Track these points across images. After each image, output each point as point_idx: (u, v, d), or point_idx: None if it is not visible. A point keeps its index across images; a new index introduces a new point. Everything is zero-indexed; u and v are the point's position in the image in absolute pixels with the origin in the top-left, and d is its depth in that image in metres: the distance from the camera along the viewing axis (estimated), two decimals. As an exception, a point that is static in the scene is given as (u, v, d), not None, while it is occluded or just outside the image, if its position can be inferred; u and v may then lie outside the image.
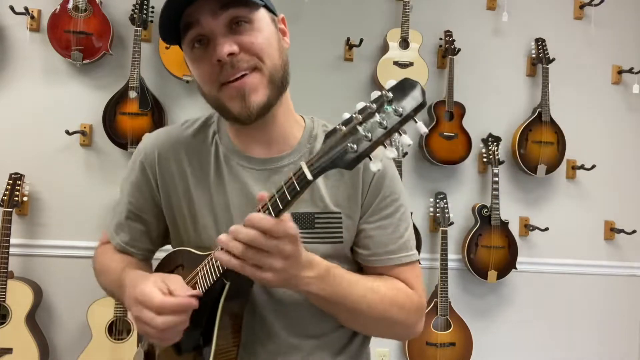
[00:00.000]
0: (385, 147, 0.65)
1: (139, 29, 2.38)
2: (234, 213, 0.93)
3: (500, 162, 2.61)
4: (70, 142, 2.45)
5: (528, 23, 2.81)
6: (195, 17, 0.82)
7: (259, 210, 0.72)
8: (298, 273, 0.76)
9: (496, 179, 2.58)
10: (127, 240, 1.02)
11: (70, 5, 2.34)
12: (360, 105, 0.65)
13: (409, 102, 0.62)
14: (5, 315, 2.19)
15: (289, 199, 0.69)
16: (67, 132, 2.39)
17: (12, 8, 2.34)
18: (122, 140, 2.38)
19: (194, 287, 0.84)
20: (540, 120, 2.67)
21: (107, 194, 2.43)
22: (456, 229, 2.65)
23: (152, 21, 2.48)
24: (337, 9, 2.68)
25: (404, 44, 2.58)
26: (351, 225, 0.93)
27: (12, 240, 2.24)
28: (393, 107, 0.62)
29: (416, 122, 0.63)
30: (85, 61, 2.37)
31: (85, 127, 2.45)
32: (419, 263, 1.00)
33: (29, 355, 2.19)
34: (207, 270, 0.83)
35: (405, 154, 2.54)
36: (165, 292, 0.79)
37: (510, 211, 2.70)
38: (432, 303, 2.51)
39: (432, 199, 2.61)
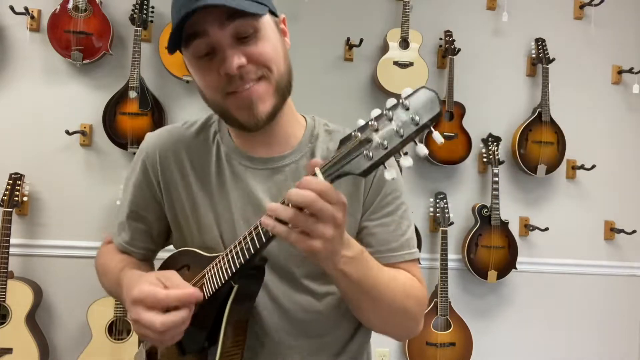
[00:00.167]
0: (401, 155, 0.64)
1: (139, 29, 2.38)
2: (236, 213, 0.93)
3: (500, 162, 2.61)
4: (70, 142, 2.46)
5: (528, 23, 2.81)
6: (202, 28, 0.80)
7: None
8: (339, 250, 0.74)
9: (496, 179, 2.58)
10: (128, 239, 1.03)
11: (70, 5, 2.35)
12: (376, 112, 0.64)
13: (426, 111, 0.62)
14: (5, 315, 2.19)
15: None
16: (67, 132, 2.39)
17: (12, 8, 2.34)
18: (122, 140, 2.38)
19: (200, 289, 0.84)
20: (540, 120, 2.67)
21: (107, 194, 2.44)
22: (456, 229, 2.65)
23: (152, 21, 2.48)
24: (337, 9, 2.68)
25: (404, 44, 2.58)
26: (352, 223, 0.93)
27: (12, 240, 2.24)
28: (410, 115, 0.62)
29: (432, 131, 0.63)
30: (85, 61, 2.37)
31: (85, 127, 2.45)
32: (419, 262, 1.00)
33: (29, 355, 2.19)
34: (214, 272, 0.83)
35: (405, 153, 2.53)
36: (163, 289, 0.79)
37: (510, 211, 2.70)
38: (432, 303, 2.51)
39: (432, 199, 2.61)
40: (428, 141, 0.64)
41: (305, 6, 2.60)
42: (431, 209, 2.61)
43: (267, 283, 0.88)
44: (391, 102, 0.64)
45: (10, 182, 2.27)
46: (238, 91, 0.83)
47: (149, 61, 2.50)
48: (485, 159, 2.63)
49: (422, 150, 0.63)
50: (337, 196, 0.68)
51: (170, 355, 0.93)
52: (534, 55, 2.76)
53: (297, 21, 2.57)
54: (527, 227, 2.74)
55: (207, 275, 0.85)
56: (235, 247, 0.79)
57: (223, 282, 0.81)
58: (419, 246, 2.51)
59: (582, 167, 2.77)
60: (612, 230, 2.82)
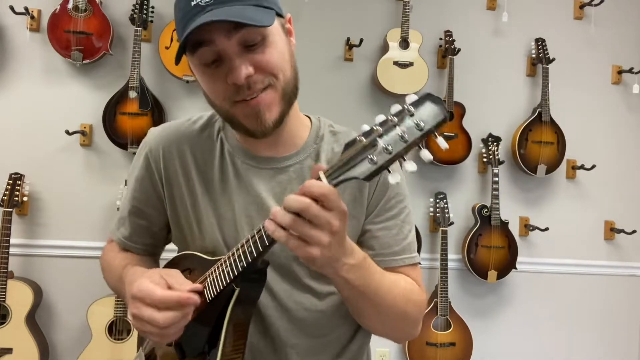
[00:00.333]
0: (404, 160, 0.65)
1: (139, 29, 2.38)
2: (238, 211, 0.92)
3: (500, 162, 2.61)
4: (70, 142, 2.45)
5: (528, 23, 2.81)
6: (208, 36, 0.79)
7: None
8: (340, 257, 0.74)
9: (496, 179, 2.58)
10: (127, 235, 1.03)
11: (70, 5, 2.35)
12: (381, 117, 0.65)
13: (431, 117, 0.62)
14: (5, 315, 2.19)
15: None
16: (67, 132, 2.39)
17: (12, 8, 2.34)
18: (122, 140, 2.38)
19: (201, 293, 0.84)
20: (540, 120, 2.67)
21: (107, 194, 2.44)
22: (456, 229, 2.65)
23: (152, 21, 2.48)
24: (337, 9, 2.68)
25: (404, 44, 2.58)
26: (355, 226, 0.94)
27: (12, 240, 2.24)
28: (415, 121, 0.62)
29: (436, 137, 0.63)
30: (85, 61, 2.37)
31: (85, 127, 2.45)
32: (420, 263, 1.00)
33: (29, 355, 2.19)
34: (216, 275, 0.83)
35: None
36: (164, 288, 0.79)
37: (510, 211, 2.70)
38: (432, 303, 2.51)
39: (432, 199, 2.61)
40: (428, 141, 0.64)
41: (305, 6, 2.60)
42: (431, 209, 2.61)
43: (269, 282, 0.88)
44: (396, 107, 0.64)
45: (10, 182, 2.27)
46: (245, 100, 0.83)
47: (149, 61, 2.50)
48: (485, 159, 2.63)
49: (427, 155, 0.63)
50: (337, 203, 0.68)
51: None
52: (534, 55, 2.76)
53: (297, 21, 2.55)
54: (527, 227, 2.74)
55: (209, 278, 0.85)
56: (238, 249, 0.79)
57: (225, 285, 0.81)
58: (419, 246, 2.52)
59: (582, 167, 2.77)
60: (612, 230, 2.82)
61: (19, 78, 2.44)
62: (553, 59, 2.69)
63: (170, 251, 1.02)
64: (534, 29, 2.79)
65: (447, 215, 2.54)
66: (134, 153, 2.65)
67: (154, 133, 1.01)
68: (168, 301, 0.77)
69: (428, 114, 0.62)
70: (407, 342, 2.51)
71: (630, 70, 2.83)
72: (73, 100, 2.47)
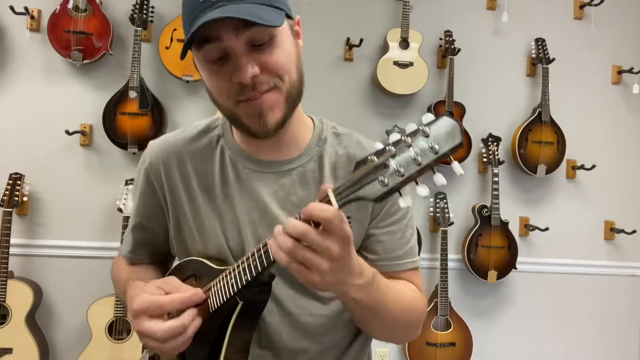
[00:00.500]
0: (417, 183, 0.63)
1: (139, 29, 2.38)
2: (241, 217, 0.91)
3: (500, 162, 2.61)
4: (70, 142, 2.45)
5: (528, 23, 2.81)
6: (216, 33, 0.77)
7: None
8: (347, 279, 0.72)
9: (496, 179, 2.58)
10: (130, 249, 1.05)
11: (70, 5, 2.35)
12: (395, 136, 0.63)
13: (447, 141, 0.60)
14: (5, 315, 2.19)
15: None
16: (67, 132, 2.39)
17: (12, 8, 2.34)
18: (122, 140, 2.38)
19: (205, 303, 0.84)
20: (540, 120, 2.67)
21: (107, 194, 2.44)
22: (456, 229, 2.65)
23: (152, 21, 2.48)
24: (337, 9, 2.68)
25: (404, 44, 2.58)
26: (360, 231, 0.93)
27: (12, 240, 2.24)
28: (429, 144, 0.60)
29: (451, 161, 0.61)
30: (85, 61, 2.37)
31: (85, 127, 2.45)
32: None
33: (29, 355, 2.19)
34: (221, 287, 0.82)
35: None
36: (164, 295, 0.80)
37: (510, 211, 2.70)
38: (432, 303, 2.51)
39: (432, 199, 2.61)
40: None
41: (305, 6, 2.60)
42: (431, 209, 2.61)
43: (273, 287, 0.87)
44: (411, 127, 0.62)
45: (10, 182, 2.27)
46: (249, 99, 0.82)
47: (149, 61, 2.50)
48: (485, 159, 2.63)
49: (440, 180, 0.61)
50: (339, 227, 0.65)
51: None
52: (534, 55, 2.76)
53: (297, 21, 2.57)
54: (527, 227, 2.74)
55: (213, 289, 0.84)
56: (243, 262, 0.78)
57: (228, 297, 0.80)
58: (419, 246, 2.52)
59: (582, 167, 2.77)
60: (612, 230, 2.82)
61: (19, 78, 2.45)
62: (553, 59, 2.69)
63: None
64: (534, 29, 2.80)
65: (447, 215, 2.54)
66: (134, 153, 2.66)
67: (153, 146, 1.00)
68: (175, 304, 0.78)
69: (444, 136, 0.60)
70: (407, 342, 2.51)
71: (630, 70, 2.83)
72: (73, 100, 2.47)
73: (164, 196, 0.97)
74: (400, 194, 0.63)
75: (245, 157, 0.94)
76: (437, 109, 2.60)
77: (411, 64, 2.57)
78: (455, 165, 0.61)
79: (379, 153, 0.63)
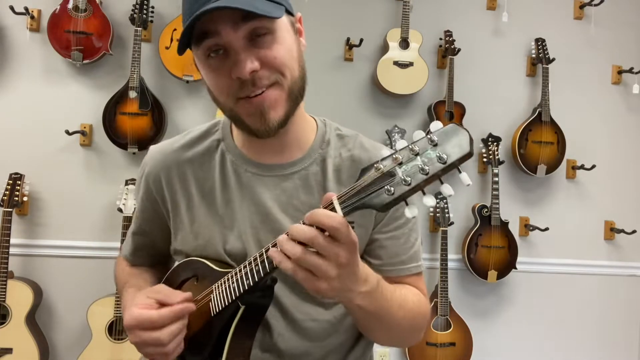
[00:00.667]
0: (424, 193, 0.62)
1: (139, 29, 2.38)
2: (242, 222, 0.91)
3: (500, 162, 2.61)
4: (70, 142, 2.45)
5: (528, 23, 2.81)
6: (214, 27, 0.76)
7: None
8: (353, 287, 0.71)
9: (496, 179, 2.58)
10: (130, 251, 1.06)
11: (70, 5, 2.35)
12: (402, 144, 0.61)
13: (455, 151, 0.59)
14: (5, 315, 2.19)
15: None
16: (67, 132, 2.39)
17: (12, 8, 2.34)
18: (122, 140, 2.37)
19: (206, 306, 0.83)
20: (540, 120, 2.67)
21: (107, 194, 2.44)
22: (456, 229, 2.65)
23: (152, 21, 2.48)
24: (337, 9, 2.68)
25: (404, 44, 2.58)
26: (363, 235, 0.92)
27: (12, 240, 2.24)
28: (437, 153, 0.59)
29: (460, 172, 0.60)
30: (85, 61, 2.37)
31: (85, 127, 2.45)
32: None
33: (29, 355, 2.19)
34: (222, 290, 0.81)
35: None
36: (156, 307, 0.80)
37: (510, 211, 2.70)
38: (432, 303, 2.50)
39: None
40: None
41: (305, 6, 2.60)
42: (431, 209, 2.61)
43: (276, 293, 0.87)
44: (419, 134, 0.61)
45: (10, 182, 2.27)
46: (249, 97, 0.80)
47: (149, 61, 2.50)
48: (485, 159, 2.62)
49: (448, 190, 0.60)
50: (346, 234, 0.64)
51: None
52: (534, 55, 2.76)
53: (297, 21, 2.57)
54: (527, 227, 2.74)
55: (214, 292, 0.83)
56: (246, 266, 0.77)
57: (230, 301, 0.80)
58: (419, 246, 2.52)
59: (582, 167, 2.77)
60: (612, 230, 2.82)
61: (19, 78, 2.44)
62: (553, 59, 2.69)
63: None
64: (534, 29, 2.79)
65: (447, 215, 2.54)
66: (134, 153, 2.66)
67: (153, 152, 1.00)
68: (166, 319, 0.78)
69: (452, 146, 0.59)
70: (407, 342, 2.51)
71: (630, 70, 2.83)
72: (73, 100, 2.47)
73: (164, 202, 0.97)
74: (407, 203, 0.61)
75: (246, 161, 0.93)
76: (437, 109, 2.60)
77: (411, 64, 2.57)
78: (464, 176, 0.60)
79: (385, 160, 0.62)
